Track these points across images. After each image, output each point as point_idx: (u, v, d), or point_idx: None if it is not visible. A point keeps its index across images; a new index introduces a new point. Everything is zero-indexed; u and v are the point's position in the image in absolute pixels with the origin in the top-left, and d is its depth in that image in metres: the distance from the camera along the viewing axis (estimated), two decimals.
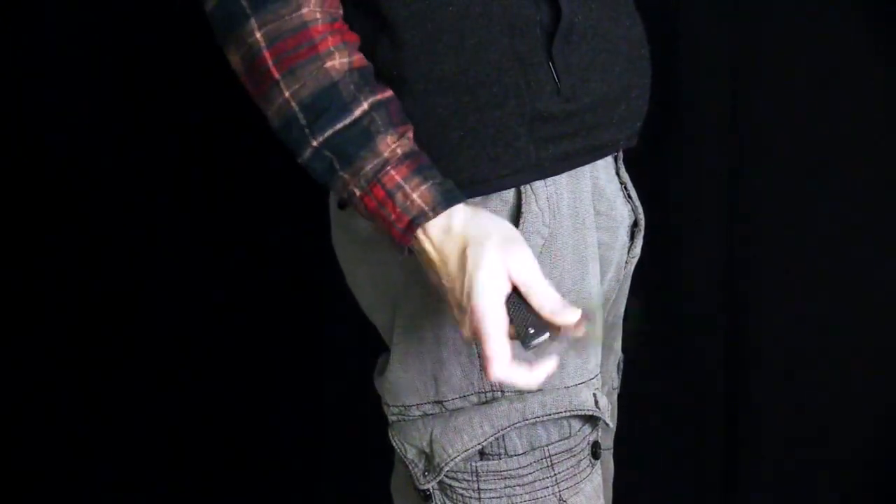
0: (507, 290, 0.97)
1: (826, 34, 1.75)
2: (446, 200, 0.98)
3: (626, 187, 1.26)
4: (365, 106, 0.98)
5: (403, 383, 1.13)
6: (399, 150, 0.98)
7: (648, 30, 1.22)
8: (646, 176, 1.33)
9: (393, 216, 0.98)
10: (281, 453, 2.00)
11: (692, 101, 1.81)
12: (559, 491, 1.12)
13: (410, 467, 1.13)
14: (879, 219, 1.81)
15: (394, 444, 1.15)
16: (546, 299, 0.97)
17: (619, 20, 1.15)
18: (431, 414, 1.12)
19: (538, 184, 1.08)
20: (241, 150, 1.85)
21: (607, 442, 1.40)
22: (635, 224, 1.28)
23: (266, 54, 0.98)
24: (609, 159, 1.21)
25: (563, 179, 1.10)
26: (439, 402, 1.12)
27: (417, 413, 1.13)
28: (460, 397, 1.11)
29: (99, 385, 1.95)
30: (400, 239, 0.98)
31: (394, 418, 1.15)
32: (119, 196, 1.88)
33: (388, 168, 0.97)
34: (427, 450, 1.11)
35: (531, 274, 0.97)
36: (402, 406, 1.14)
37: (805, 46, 1.76)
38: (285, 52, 0.97)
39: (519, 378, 0.97)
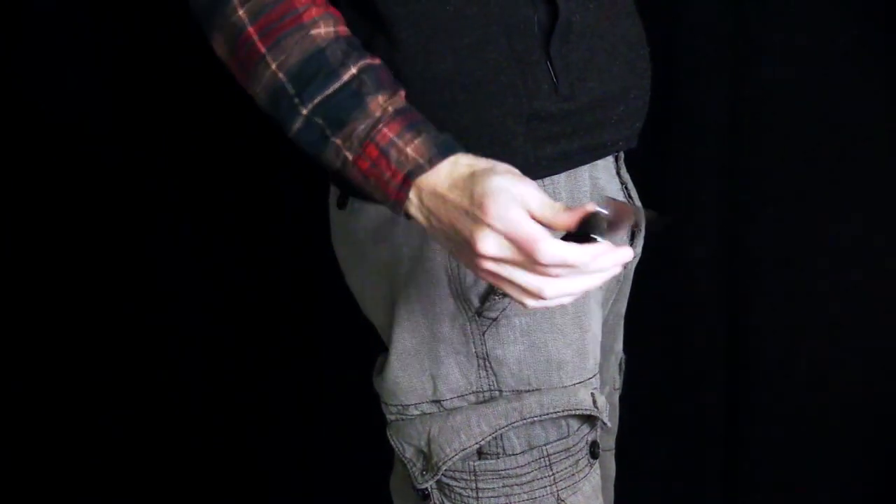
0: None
1: (826, 34, 1.75)
2: (442, 152, 0.94)
3: (626, 187, 1.26)
4: (353, 70, 0.96)
5: (401, 383, 1.13)
6: (390, 108, 0.96)
7: (648, 30, 1.22)
8: (646, 176, 1.33)
9: (388, 174, 0.95)
10: (280, 453, 2.00)
11: (692, 101, 1.81)
12: (557, 490, 1.12)
13: (408, 466, 1.13)
14: (880, 218, 1.81)
15: (392, 443, 1.15)
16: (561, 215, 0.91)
17: (618, 20, 1.15)
18: (429, 413, 1.12)
19: (536, 183, 1.08)
20: (241, 150, 1.85)
21: (609, 442, 1.41)
22: (635, 224, 1.28)
23: (250, 30, 0.97)
24: (609, 159, 1.21)
25: (560, 179, 1.11)
26: (437, 402, 1.12)
27: (415, 412, 1.13)
28: (458, 397, 1.11)
29: (99, 385, 1.95)
30: (396, 196, 0.95)
31: (392, 418, 1.16)
32: (119, 196, 1.88)
33: (381, 126, 0.95)
34: (425, 449, 1.12)
35: (541, 202, 0.92)
36: (401, 405, 1.14)
37: (805, 46, 1.76)
38: (269, 24, 0.96)
39: (571, 251, 0.89)
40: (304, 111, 0.96)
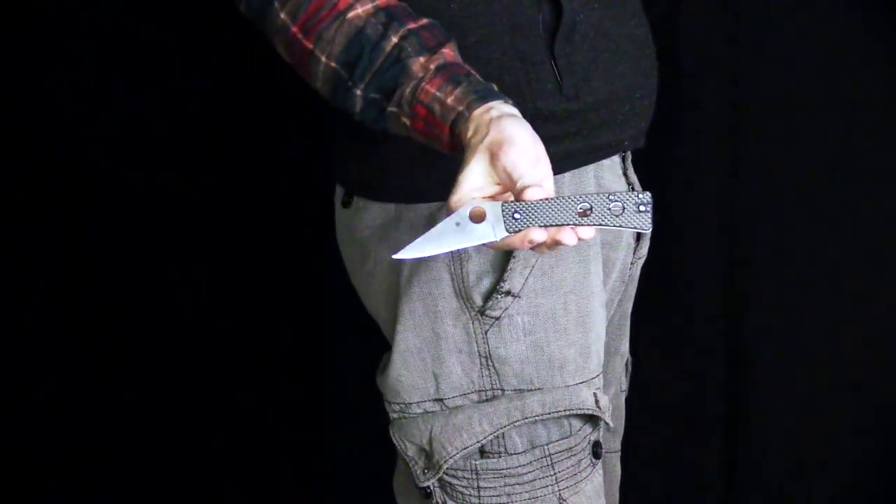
0: (488, 193, 0.93)
1: (826, 34, 1.75)
2: (482, 97, 0.95)
3: (633, 188, 1.26)
4: (394, 40, 0.97)
5: (404, 381, 1.13)
6: (432, 66, 0.97)
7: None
8: (647, 176, 1.33)
9: (436, 129, 0.96)
10: (283, 452, 2.00)
11: (692, 101, 1.81)
12: (559, 490, 1.12)
13: (410, 465, 1.13)
14: (879, 218, 1.81)
15: (394, 441, 1.16)
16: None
17: (624, 20, 1.15)
18: (431, 412, 1.13)
19: None
20: (247, 149, 1.85)
21: (614, 444, 1.40)
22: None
23: (294, 30, 0.99)
24: (615, 159, 1.21)
25: (565, 178, 1.11)
26: (440, 400, 1.12)
27: (418, 411, 1.13)
28: (460, 395, 1.12)
29: (99, 385, 1.95)
30: (451, 148, 0.96)
31: (395, 416, 1.16)
32: (119, 195, 1.88)
33: (423, 84, 0.96)
34: (427, 447, 1.12)
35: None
36: (403, 404, 1.14)
37: (805, 46, 1.76)
38: (308, 20, 0.99)
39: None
40: (359, 91, 0.98)
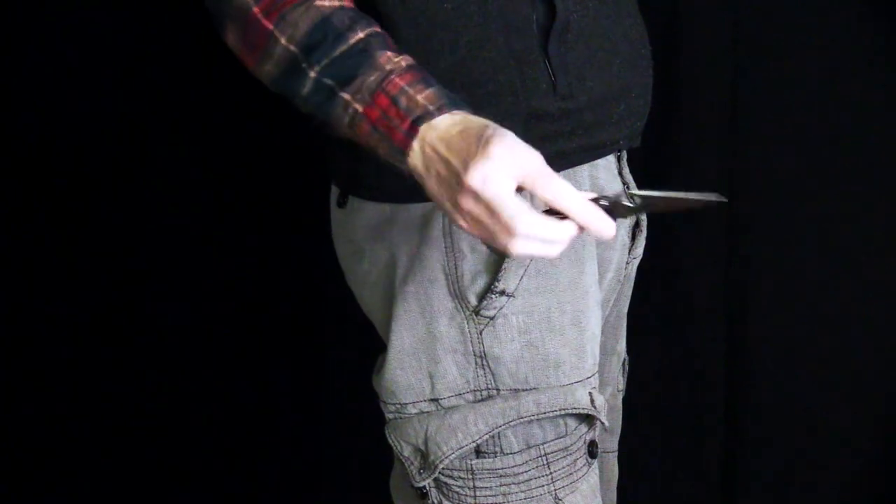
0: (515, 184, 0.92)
1: (826, 34, 1.75)
2: (452, 103, 0.94)
3: (628, 187, 1.26)
4: (361, 34, 0.97)
5: (399, 381, 1.13)
6: (403, 63, 0.96)
7: (648, 30, 1.22)
8: (646, 176, 1.33)
9: (396, 120, 0.94)
10: (280, 452, 2.00)
11: (692, 101, 1.81)
12: (555, 490, 1.12)
13: (406, 465, 1.13)
14: (879, 218, 1.81)
15: (390, 441, 1.16)
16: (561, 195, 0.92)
17: (619, 19, 1.15)
18: (427, 412, 1.13)
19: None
20: (244, 149, 1.85)
21: (611, 444, 1.40)
22: (637, 224, 1.28)
23: (255, 10, 0.98)
24: (611, 158, 1.21)
25: None
26: (435, 400, 1.12)
27: (413, 411, 1.13)
28: (456, 395, 1.12)
29: (99, 385, 1.95)
30: (401, 142, 0.94)
31: (390, 416, 1.16)
32: (118, 195, 1.88)
33: (392, 76, 0.95)
34: (422, 447, 1.12)
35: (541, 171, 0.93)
36: (399, 404, 1.14)
37: (805, 46, 1.76)
38: (273, 2, 0.98)
39: (548, 228, 0.91)
40: (313, 73, 0.97)
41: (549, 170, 0.92)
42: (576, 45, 1.09)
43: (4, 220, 1.88)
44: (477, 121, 0.93)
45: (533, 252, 0.92)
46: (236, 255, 1.90)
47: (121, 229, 1.89)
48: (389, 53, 0.96)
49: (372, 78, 0.95)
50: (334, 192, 1.21)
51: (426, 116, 0.93)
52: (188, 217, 1.88)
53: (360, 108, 0.96)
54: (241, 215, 1.88)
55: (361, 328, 1.27)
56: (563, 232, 0.92)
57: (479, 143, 0.90)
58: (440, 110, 0.93)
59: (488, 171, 0.89)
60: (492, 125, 0.92)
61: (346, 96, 0.96)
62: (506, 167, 0.89)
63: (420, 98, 0.94)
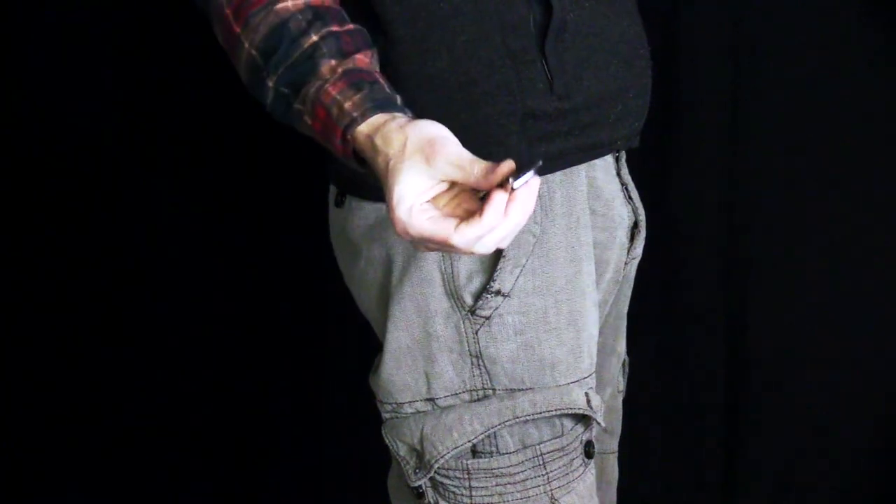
0: (433, 194, 0.91)
1: (826, 34, 1.75)
2: (379, 107, 0.93)
3: (626, 188, 1.26)
4: (314, 38, 0.96)
5: (395, 381, 1.13)
6: (340, 69, 0.96)
7: (648, 30, 1.22)
8: (646, 176, 1.33)
9: (332, 132, 0.95)
10: (278, 451, 2.00)
11: (692, 101, 1.81)
12: (551, 490, 1.12)
13: (402, 464, 1.13)
14: (879, 218, 1.80)
15: (387, 441, 1.16)
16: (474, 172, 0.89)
17: (616, 19, 1.15)
18: (423, 411, 1.13)
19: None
20: (243, 149, 1.85)
21: (611, 445, 1.40)
22: (636, 225, 1.28)
23: (227, 11, 0.99)
24: (609, 159, 1.20)
25: (556, 178, 1.10)
26: (431, 400, 1.12)
27: (409, 410, 1.13)
28: (452, 395, 1.11)
29: (99, 384, 1.95)
30: (343, 152, 0.95)
31: (387, 416, 1.16)
32: (117, 196, 1.88)
33: (326, 86, 0.95)
34: (418, 447, 1.12)
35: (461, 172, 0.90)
36: (395, 403, 1.14)
37: (805, 46, 1.76)
38: (241, 4, 0.98)
39: (482, 226, 0.87)
40: (271, 83, 0.97)
41: (462, 159, 0.89)
42: (573, 45, 1.09)
43: (4, 220, 1.88)
44: (383, 138, 0.91)
45: (490, 246, 0.89)
46: (235, 255, 1.90)
47: (120, 229, 1.89)
48: (334, 62, 0.96)
49: (313, 89, 0.95)
50: (332, 191, 1.21)
51: (352, 124, 0.93)
52: (187, 216, 1.89)
53: (308, 120, 0.96)
54: (240, 215, 1.88)
55: (361, 328, 1.27)
56: (493, 219, 0.87)
57: (386, 177, 0.90)
58: (364, 116, 0.93)
59: (400, 217, 0.89)
60: (391, 152, 0.90)
61: (299, 107, 0.97)
62: (411, 207, 0.89)
63: (347, 106, 0.93)
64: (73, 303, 1.91)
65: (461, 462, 1.11)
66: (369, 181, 1.13)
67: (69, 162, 1.85)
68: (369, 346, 1.22)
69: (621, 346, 1.37)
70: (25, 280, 1.91)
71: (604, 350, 1.28)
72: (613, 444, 1.41)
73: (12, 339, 1.93)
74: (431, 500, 1.13)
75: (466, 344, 1.10)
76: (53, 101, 1.82)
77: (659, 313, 1.88)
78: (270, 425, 1.98)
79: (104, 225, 1.89)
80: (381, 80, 0.96)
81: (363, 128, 0.92)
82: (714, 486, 1.97)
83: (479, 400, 1.11)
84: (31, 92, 1.82)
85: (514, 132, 1.06)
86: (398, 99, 0.96)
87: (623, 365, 1.39)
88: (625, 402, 1.42)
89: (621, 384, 1.39)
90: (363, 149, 0.93)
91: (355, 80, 0.95)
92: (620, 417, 1.42)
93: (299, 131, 0.99)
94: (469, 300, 1.09)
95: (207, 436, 1.98)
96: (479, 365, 1.10)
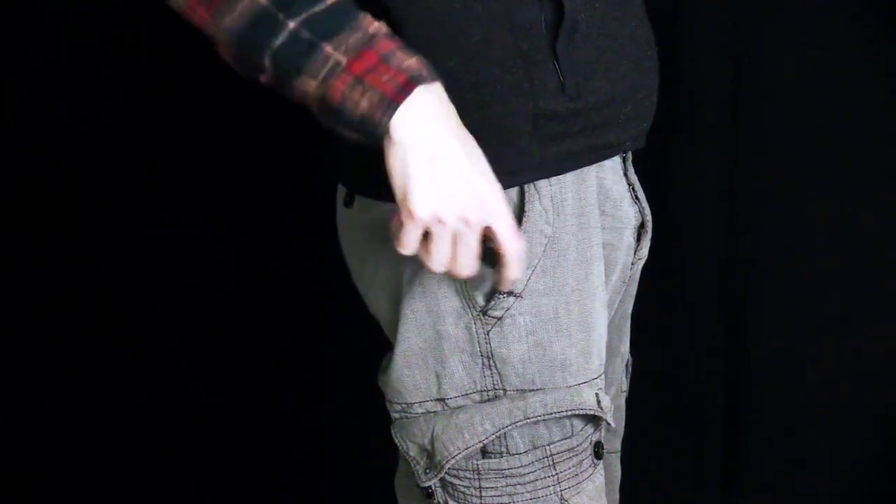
0: None
1: (826, 34, 1.75)
2: (433, 74, 0.96)
3: (633, 188, 1.26)
4: None
5: (406, 381, 1.13)
6: (384, 29, 0.97)
7: None
8: (646, 176, 1.33)
9: (388, 75, 0.94)
10: (286, 451, 2.00)
11: (692, 101, 1.81)
12: (561, 490, 1.12)
13: (412, 465, 1.13)
14: (880, 218, 1.81)
15: (396, 441, 1.15)
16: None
17: (626, 20, 1.15)
18: (433, 412, 1.12)
19: (542, 183, 1.08)
20: (249, 147, 1.85)
21: (615, 445, 1.40)
22: (642, 226, 1.28)
23: None
24: (617, 160, 1.20)
25: (567, 179, 1.10)
26: (441, 400, 1.12)
27: (420, 411, 1.13)
28: (462, 395, 1.11)
29: (99, 384, 1.95)
30: (394, 96, 0.94)
31: (396, 416, 1.16)
32: (117, 196, 1.88)
33: (381, 38, 0.95)
34: (428, 447, 1.12)
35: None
36: (405, 404, 1.14)
37: (805, 46, 1.76)
38: None
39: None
40: (291, 24, 0.94)
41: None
42: (584, 46, 1.09)
43: (4, 221, 1.88)
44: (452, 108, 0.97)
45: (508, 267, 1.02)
46: (241, 255, 1.90)
47: (122, 229, 1.89)
48: (370, 18, 0.97)
49: (358, 35, 0.95)
50: (341, 191, 1.21)
51: (420, 79, 0.95)
52: (192, 215, 1.88)
53: (343, 59, 0.95)
54: (247, 214, 1.88)
55: (367, 328, 1.27)
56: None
57: (457, 136, 0.98)
58: (431, 77, 0.96)
59: (485, 181, 1.00)
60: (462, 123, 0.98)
61: (329, 48, 0.95)
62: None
63: (412, 62, 0.95)
64: (72, 303, 1.91)
65: (471, 462, 1.11)
66: (379, 181, 1.13)
67: (69, 162, 1.85)
68: (376, 345, 1.22)
69: (625, 346, 1.38)
70: (25, 280, 1.90)
71: (609, 350, 1.27)
72: (616, 444, 1.42)
73: (12, 339, 1.93)
74: (441, 501, 1.13)
75: (478, 344, 1.10)
76: (53, 101, 1.81)
77: (659, 313, 1.88)
78: (276, 424, 1.98)
79: (104, 225, 1.88)
80: None
81: (432, 86, 0.95)
82: (714, 486, 1.97)
83: (489, 400, 1.11)
84: (31, 92, 1.81)
85: (525, 133, 1.06)
86: None
87: (627, 365, 1.39)
88: (627, 401, 1.42)
89: (625, 384, 1.40)
90: (424, 104, 0.95)
91: (406, 47, 0.97)
92: (624, 417, 1.42)
93: (289, 77, 0.97)
94: (481, 300, 1.09)
95: (208, 435, 1.98)
96: (490, 365, 1.10)
